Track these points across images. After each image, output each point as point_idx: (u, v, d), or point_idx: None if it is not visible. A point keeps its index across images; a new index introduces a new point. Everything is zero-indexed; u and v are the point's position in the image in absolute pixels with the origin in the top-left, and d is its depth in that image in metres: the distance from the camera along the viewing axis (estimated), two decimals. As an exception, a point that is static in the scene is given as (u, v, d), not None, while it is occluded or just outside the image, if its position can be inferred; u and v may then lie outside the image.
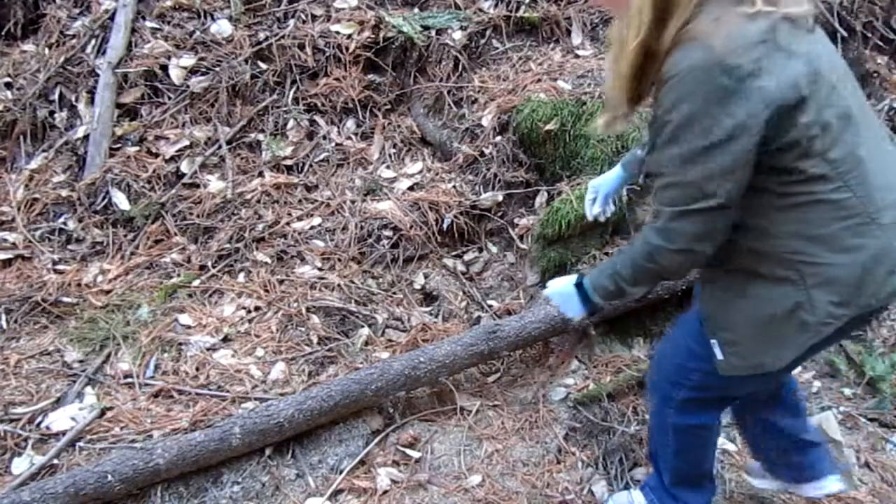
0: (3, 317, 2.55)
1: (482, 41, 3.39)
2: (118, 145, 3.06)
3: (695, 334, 1.56)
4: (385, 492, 2.06)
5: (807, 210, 1.29)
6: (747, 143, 1.21)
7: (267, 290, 2.67)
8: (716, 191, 1.24)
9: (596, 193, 1.87)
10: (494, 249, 2.92)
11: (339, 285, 2.70)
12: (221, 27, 3.26)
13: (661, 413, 1.76)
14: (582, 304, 1.59)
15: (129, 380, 2.34)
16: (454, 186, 3.01)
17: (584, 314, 1.63)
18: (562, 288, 1.63)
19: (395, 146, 3.22)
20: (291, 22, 3.34)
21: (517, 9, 3.38)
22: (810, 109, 1.22)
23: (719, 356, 1.47)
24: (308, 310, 2.58)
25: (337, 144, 3.20)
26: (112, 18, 3.24)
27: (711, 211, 1.26)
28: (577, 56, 3.29)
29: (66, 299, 2.61)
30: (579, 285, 1.58)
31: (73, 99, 3.16)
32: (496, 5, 3.43)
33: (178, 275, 2.74)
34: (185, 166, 3.02)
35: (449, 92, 3.28)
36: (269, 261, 2.79)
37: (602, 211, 1.89)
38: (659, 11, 1.23)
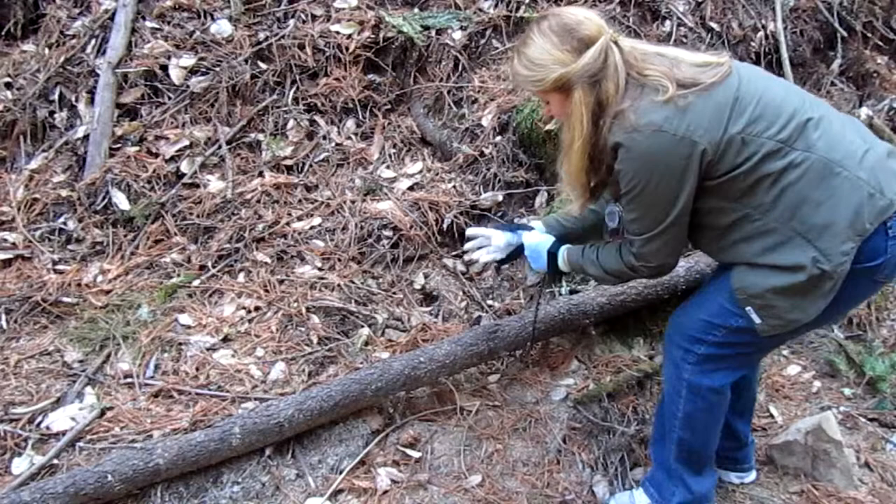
0: (3, 317, 2.55)
1: (482, 41, 3.38)
2: (118, 145, 3.06)
3: (723, 293, 1.68)
4: (385, 492, 2.06)
5: (781, 185, 1.52)
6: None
7: (267, 290, 2.67)
8: (668, 215, 1.58)
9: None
10: (494, 249, 2.92)
11: (339, 285, 2.70)
12: (221, 27, 3.26)
13: (677, 370, 1.81)
14: (549, 267, 1.98)
15: (129, 380, 2.34)
16: (454, 186, 3.01)
17: (545, 272, 2.03)
18: (537, 246, 2.00)
19: (395, 146, 3.22)
20: (291, 22, 3.34)
21: (517, 9, 3.38)
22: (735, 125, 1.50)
23: (757, 321, 1.62)
24: (308, 310, 2.58)
25: (337, 144, 3.20)
26: (112, 18, 3.24)
27: (670, 228, 1.60)
28: (577, 56, 3.28)
29: (66, 299, 2.61)
30: (552, 254, 1.96)
31: (73, 99, 3.16)
32: (496, 5, 3.42)
33: (178, 275, 2.74)
34: (185, 166, 3.02)
35: (449, 92, 3.28)
36: (269, 261, 2.79)
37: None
38: (593, 113, 1.56)
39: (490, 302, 2.74)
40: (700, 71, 1.53)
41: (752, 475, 2.17)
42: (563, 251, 1.94)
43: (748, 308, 1.62)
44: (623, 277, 1.81)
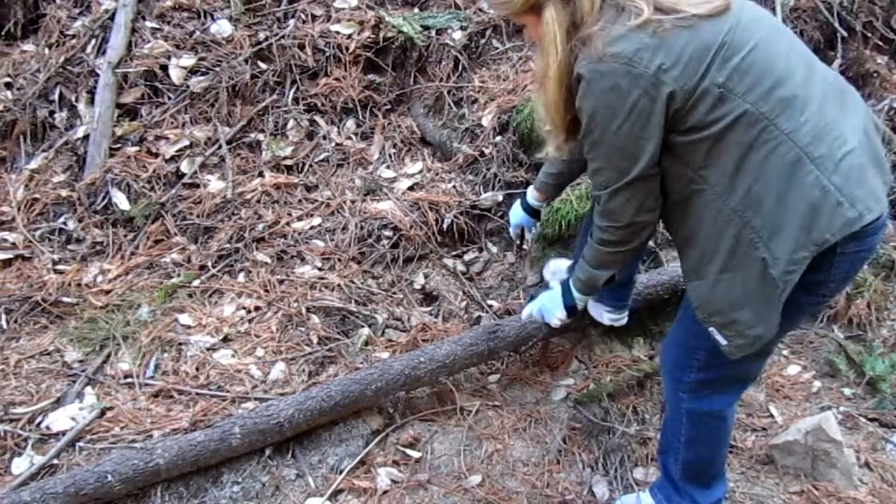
0: (3, 317, 2.55)
1: (482, 41, 3.38)
2: (118, 145, 3.06)
3: (692, 312, 1.59)
4: (385, 492, 2.06)
5: (747, 165, 1.35)
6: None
7: (267, 290, 2.67)
8: (633, 165, 1.41)
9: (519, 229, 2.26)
10: (494, 249, 2.92)
11: (339, 285, 2.70)
12: (221, 27, 3.26)
13: (674, 398, 1.77)
14: (563, 300, 1.81)
15: (129, 380, 2.34)
16: (454, 186, 3.01)
17: (564, 313, 1.83)
18: (544, 297, 1.87)
19: (395, 146, 3.22)
20: (291, 22, 3.34)
21: (517, 9, 3.38)
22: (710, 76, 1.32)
23: (722, 342, 1.50)
24: (308, 310, 2.59)
25: (337, 144, 3.20)
26: (112, 18, 3.24)
27: (637, 180, 1.42)
28: (577, 56, 3.28)
29: (66, 299, 2.61)
30: (565, 283, 1.81)
31: (73, 99, 3.16)
32: (496, 5, 3.42)
33: (178, 275, 2.74)
34: (185, 166, 3.02)
35: (449, 92, 3.28)
36: (269, 261, 2.79)
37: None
38: (568, 35, 1.37)
39: (490, 302, 2.74)
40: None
41: (625, 318, 2.23)
42: (570, 280, 1.79)
43: (711, 329, 1.51)
44: (606, 260, 1.64)
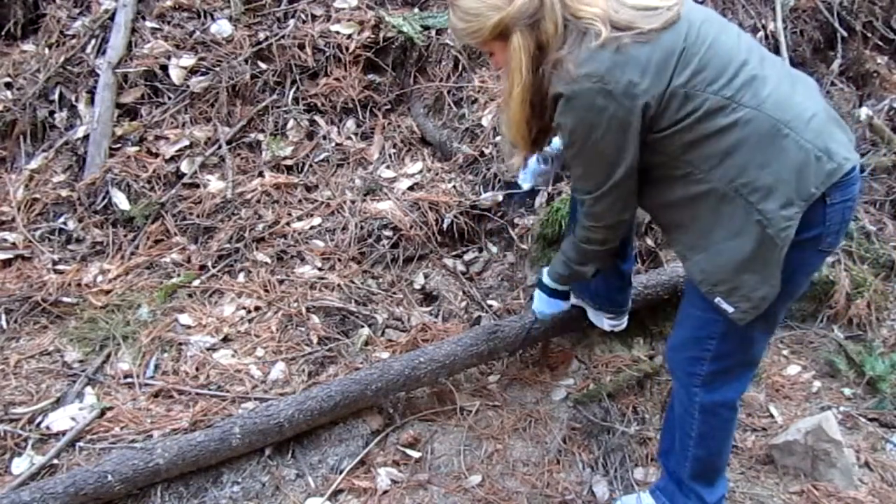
0: (3, 317, 2.55)
1: (482, 41, 3.38)
2: (118, 145, 3.05)
3: (696, 302, 1.65)
4: (385, 492, 2.06)
5: (726, 143, 1.45)
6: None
7: (267, 290, 2.67)
8: (614, 172, 1.53)
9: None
10: (494, 249, 2.92)
11: (339, 285, 2.70)
12: (221, 27, 3.26)
13: (687, 395, 1.78)
14: (547, 295, 2.02)
15: (129, 380, 2.34)
16: (454, 186, 3.01)
17: (551, 302, 2.03)
18: (537, 299, 2.04)
19: (395, 146, 3.22)
20: (291, 22, 3.34)
21: (517, 9, 3.38)
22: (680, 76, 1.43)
23: (730, 309, 1.56)
24: (308, 310, 2.59)
25: (337, 144, 3.20)
26: (112, 18, 3.23)
27: (618, 184, 1.55)
28: (577, 56, 3.28)
29: (66, 299, 2.61)
30: (540, 282, 1.98)
31: (73, 99, 3.16)
32: (496, 5, 3.42)
33: (178, 275, 2.74)
34: (185, 166, 3.02)
35: (449, 92, 3.28)
36: (269, 261, 2.79)
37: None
38: (534, 58, 1.48)
39: (490, 302, 2.74)
40: (640, 15, 1.43)
41: (625, 322, 2.27)
42: (545, 270, 1.98)
43: (717, 300, 1.56)
44: (586, 256, 1.79)
